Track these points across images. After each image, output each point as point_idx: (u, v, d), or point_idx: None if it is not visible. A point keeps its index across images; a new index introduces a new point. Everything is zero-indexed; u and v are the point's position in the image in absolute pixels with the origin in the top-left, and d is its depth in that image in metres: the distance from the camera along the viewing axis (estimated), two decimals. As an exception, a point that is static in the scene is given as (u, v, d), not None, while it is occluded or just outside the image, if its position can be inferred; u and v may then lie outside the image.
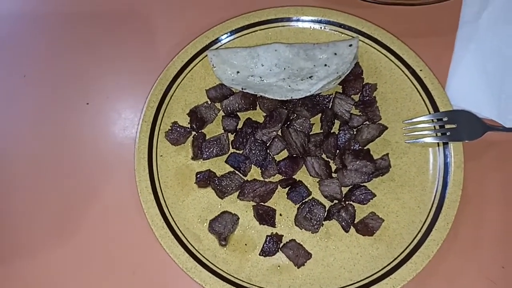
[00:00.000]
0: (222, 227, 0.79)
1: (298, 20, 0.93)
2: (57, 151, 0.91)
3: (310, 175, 0.83)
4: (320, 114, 0.87)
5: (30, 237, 0.85)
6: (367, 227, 0.78)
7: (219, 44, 0.93)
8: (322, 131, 0.85)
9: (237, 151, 0.85)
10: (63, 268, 0.83)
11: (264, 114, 0.88)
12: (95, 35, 1.00)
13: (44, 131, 0.93)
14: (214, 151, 0.84)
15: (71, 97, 0.96)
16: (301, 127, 0.84)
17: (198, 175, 0.83)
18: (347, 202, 0.81)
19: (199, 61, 0.92)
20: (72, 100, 0.95)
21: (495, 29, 0.93)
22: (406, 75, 0.88)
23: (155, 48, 0.97)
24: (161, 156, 0.86)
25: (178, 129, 0.86)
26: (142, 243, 0.83)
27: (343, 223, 0.78)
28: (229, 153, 0.85)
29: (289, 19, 0.93)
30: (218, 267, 0.78)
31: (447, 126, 0.83)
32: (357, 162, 0.80)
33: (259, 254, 0.78)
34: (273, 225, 0.80)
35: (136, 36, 0.99)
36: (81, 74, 0.97)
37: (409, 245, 0.77)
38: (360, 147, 0.83)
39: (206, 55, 0.91)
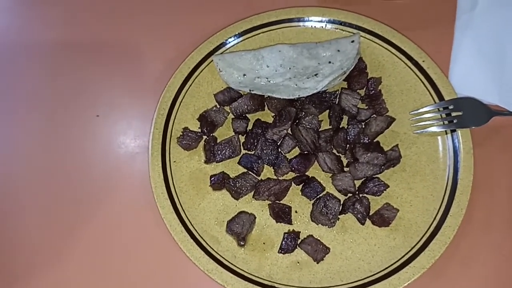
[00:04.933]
0: (240, 227, 0.80)
1: (299, 21, 0.95)
2: (69, 164, 0.92)
3: (323, 171, 0.84)
4: (327, 111, 0.88)
5: (44, 250, 0.86)
6: (383, 218, 0.79)
7: (223, 49, 0.94)
8: (331, 127, 0.87)
9: (249, 152, 0.87)
10: (80, 278, 0.84)
11: (273, 114, 0.89)
12: (101, 49, 1.02)
13: (56, 144, 0.94)
14: (227, 153, 0.85)
15: (81, 110, 0.97)
16: (310, 124, 0.85)
17: (212, 178, 0.85)
18: (361, 195, 0.82)
19: (205, 66, 0.93)
20: (82, 112, 0.97)
21: (491, 15, 0.95)
22: (409, 67, 0.89)
23: (162, 57, 0.99)
24: (175, 162, 0.87)
25: (190, 134, 0.87)
26: (161, 249, 0.83)
27: (359, 216, 0.80)
28: (241, 154, 0.87)
29: (290, 20, 0.95)
30: (238, 267, 0.78)
31: (453, 114, 0.85)
32: (368, 155, 0.81)
33: (278, 252, 0.79)
34: (289, 222, 0.81)
35: (142, 47, 1.01)
36: (90, 87, 0.99)
37: (425, 233, 0.78)
38: (369, 140, 0.85)
39: (212, 61, 0.93)
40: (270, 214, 0.82)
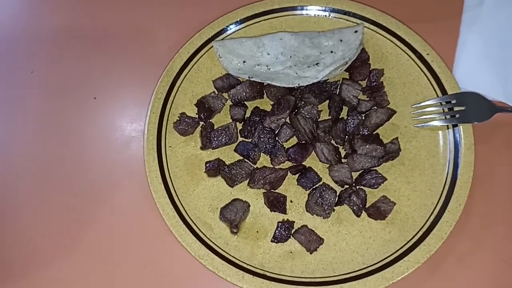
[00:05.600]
0: (234, 215, 0.79)
1: (302, 9, 0.93)
2: (66, 145, 0.92)
3: (320, 161, 0.82)
4: (327, 101, 0.87)
5: (41, 237, 0.85)
6: (379, 211, 0.78)
7: (224, 35, 0.93)
8: (330, 117, 0.85)
9: (246, 140, 0.85)
10: (76, 264, 0.83)
11: (272, 102, 0.88)
12: (101, 31, 1.01)
13: (53, 126, 0.94)
14: (223, 140, 0.84)
15: (79, 92, 0.96)
16: (309, 114, 0.84)
17: (208, 164, 0.83)
18: (358, 187, 0.80)
19: (205, 52, 0.92)
20: (79, 95, 0.96)
21: (498, 12, 0.93)
22: (413, 60, 0.88)
23: (162, 41, 0.98)
24: (170, 147, 0.86)
25: (186, 119, 0.86)
26: (154, 235, 0.82)
27: (355, 208, 0.78)
28: (237, 141, 0.85)
29: (293, 8, 0.94)
30: (230, 255, 0.77)
31: (455, 109, 0.83)
32: (367, 147, 0.80)
33: (271, 241, 0.78)
34: (284, 211, 0.80)
35: (141, 30, 1.00)
36: (88, 69, 0.98)
37: (421, 227, 0.76)
38: (369, 132, 0.83)
39: (212, 46, 0.91)
40: (264, 203, 0.81)
